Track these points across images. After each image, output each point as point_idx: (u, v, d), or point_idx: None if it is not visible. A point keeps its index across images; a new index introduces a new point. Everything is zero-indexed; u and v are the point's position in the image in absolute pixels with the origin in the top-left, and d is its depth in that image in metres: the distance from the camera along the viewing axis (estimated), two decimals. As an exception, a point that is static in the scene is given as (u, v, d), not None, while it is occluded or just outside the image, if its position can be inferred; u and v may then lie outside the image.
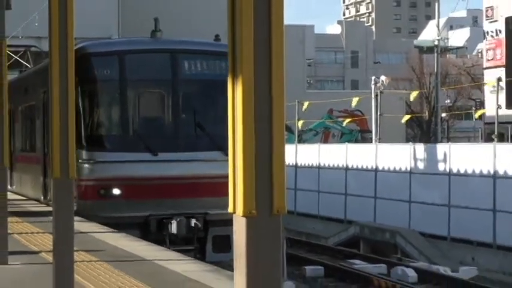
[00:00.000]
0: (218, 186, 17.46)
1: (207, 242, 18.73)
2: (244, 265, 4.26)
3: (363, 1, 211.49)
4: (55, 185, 8.78)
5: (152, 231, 18.04)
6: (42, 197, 23.31)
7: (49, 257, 9.60)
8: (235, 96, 4.47)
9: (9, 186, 26.91)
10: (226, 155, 16.19)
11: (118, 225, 16.84)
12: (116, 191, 17.86)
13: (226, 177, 15.86)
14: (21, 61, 34.99)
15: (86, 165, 19.15)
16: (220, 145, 18.07)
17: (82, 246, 14.33)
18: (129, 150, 18.35)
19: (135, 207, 17.89)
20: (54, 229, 8.74)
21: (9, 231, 13.68)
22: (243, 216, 4.74)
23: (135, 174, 17.98)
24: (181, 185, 18.42)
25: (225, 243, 18.52)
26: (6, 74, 13.47)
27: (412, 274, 25.34)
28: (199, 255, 18.21)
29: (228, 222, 16.78)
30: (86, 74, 19.37)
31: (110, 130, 20.99)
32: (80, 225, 18.08)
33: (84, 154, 19.03)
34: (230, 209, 4.53)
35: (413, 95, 69.07)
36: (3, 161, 13.21)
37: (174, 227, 18.10)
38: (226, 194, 16.41)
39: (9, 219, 14.72)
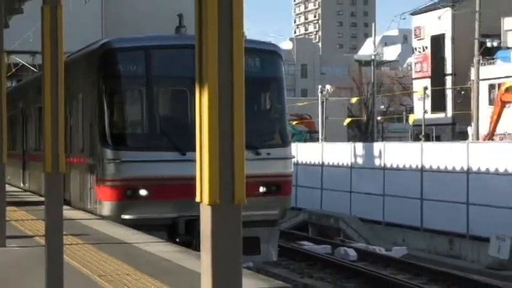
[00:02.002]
0: (249, 186, 14.80)
1: None
2: (209, 247, 4.25)
3: (311, 21, 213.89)
4: (46, 179, 8.73)
5: (180, 232, 15.55)
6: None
7: (42, 241, 9.49)
8: (202, 98, 4.36)
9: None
10: (257, 154, 16.10)
11: (144, 227, 14.34)
12: (143, 192, 15.14)
13: (256, 176, 15.72)
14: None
15: (112, 165, 16.27)
16: (248, 143, 15.28)
17: (70, 231, 14.03)
18: (156, 149, 15.69)
19: (162, 208, 15.36)
20: (46, 217, 8.66)
21: (7, 218, 13.28)
22: (209, 204, 4.69)
23: (163, 174, 15.30)
24: None
25: (253, 245, 16.06)
26: (5, 83, 13.32)
27: (352, 253, 25.51)
28: None
29: (256, 223, 15.57)
30: (111, 70, 16.92)
31: (136, 128, 17.90)
32: (68, 213, 17.71)
33: (109, 153, 16.35)
34: (197, 199, 4.52)
35: (354, 101, 70.85)
36: (2, 157, 13.09)
37: None
38: (256, 194, 16.69)
39: (8, 208, 14.47)
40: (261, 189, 15.70)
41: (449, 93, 74.20)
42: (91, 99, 16.74)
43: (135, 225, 14.95)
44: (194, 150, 14.48)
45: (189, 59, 15.43)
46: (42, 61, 9.25)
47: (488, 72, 56.53)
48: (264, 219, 15.81)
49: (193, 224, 15.13)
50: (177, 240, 14.79)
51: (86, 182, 17.02)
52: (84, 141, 17.78)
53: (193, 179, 15.22)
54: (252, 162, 14.36)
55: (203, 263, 4.32)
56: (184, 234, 15.43)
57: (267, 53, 17.04)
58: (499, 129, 47.63)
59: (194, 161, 14.70)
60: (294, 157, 17.59)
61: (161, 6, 52.43)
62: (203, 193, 4.28)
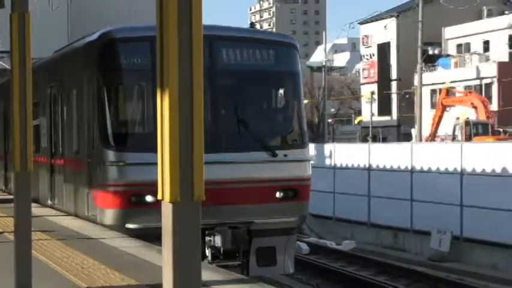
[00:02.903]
0: (264, 192, 13.71)
1: (250, 254, 13.78)
2: (170, 242, 4.25)
3: (266, 30, 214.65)
4: (16, 177, 8.66)
5: None
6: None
7: (11, 237, 9.40)
8: (163, 100, 4.81)
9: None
10: (274, 155, 13.36)
11: (151, 236, 12.21)
12: (150, 198, 12.57)
13: (272, 181, 13.98)
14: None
15: (115, 168, 13.54)
16: (267, 145, 14.05)
17: (38, 227, 13.72)
18: None
19: None
20: (15, 213, 8.60)
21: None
22: (170, 202, 4.65)
23: None
24: (223, 190, 13.16)
25: (269, 256, 14.10)
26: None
27: (305, 247, 25.61)
28: (243, 269, 13.73)
29: (272, 232, 13.69)
30: (113, 63, 14.12)
31: (142, 127, 14.81)
32: (36, 210, 17.45)
33: (112, 155, 13.59)
34: (159, 196, 4.49)
35: (306, 104, 70.63)
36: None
37: (218, 240, 13.24)
38: (274, 201, 14.26)
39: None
40: (278, 194, 13.85)
41: (394, 98, 75.17)
42: (89, 95, 14.40)
43: (141, 235, 12.76)
44: (208, 152, 12.47)
45: (206, 50, 12.73)
46: (11, 66, 9.27)
47: (430, 78, 57.57)
48: (281, 227, 13.92)
49: (205, 233, 13.08)
50: None
51: (82, 187, 14.69)
52: (80, 142, 15.23)
53: (207, 183, 13.53)
54: (268, 165, 13.69)
55: (165, 257, 4.33)
56: None
57: (284, 45, 14.81)
58: (440, 131, 48.37)
59: (207, 163, 13.06)
60: (312, 159, 15.02)
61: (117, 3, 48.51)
62: (164, 191, 4.24)
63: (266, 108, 14.84)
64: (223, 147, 13.25)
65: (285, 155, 13.82)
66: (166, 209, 4.27)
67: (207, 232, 12.95)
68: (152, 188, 11.47)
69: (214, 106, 13.47)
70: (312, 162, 14.89)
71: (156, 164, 11.68)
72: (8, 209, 14.76)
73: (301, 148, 14.39)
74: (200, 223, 4.72)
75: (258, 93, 14.57)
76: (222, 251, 13.00)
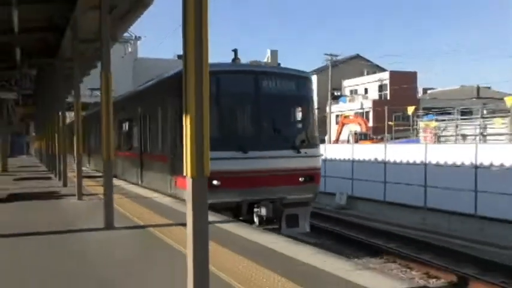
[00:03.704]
0: (292, 177, 12.64)
1: (281, 219, 12.76)
2: (190, 205, 4.00)
3: None
4: (104, 164, 8.35)
5: (243, 213, 12.22)
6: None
7: (102, 197, 9.33)
8: (187, 114, 4.57)
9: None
10: (298, 152, 12.67)
11: (216, 208, 11.22)
12: (216, 182, 11.29)
13: (298, 170, 12.69)
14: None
15: None
16: (293, 145, 12.89)
17: (118, 191, 14.82)
18: (226, 150, 11.70)
19: (230, 194, 11.79)
20: (104, 184, 8.38)
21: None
22: (191, 177, 4.57)
23: (230, 168, 11.70)
24: (265, 177, 12.23)
25: (294, 220, 13.03)
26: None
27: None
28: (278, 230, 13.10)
29: (296, 204, 13.22)
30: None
31: (212, 133, 10.84)
32: (125, 185, 17.82)
33: None
34: (185, 173, 4.22)
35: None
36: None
37: (263, 210, 12.13)
38: (298, 183, 12.80)
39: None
40: (300, 179, 12.74)
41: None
42: (171, 112, 13.69)
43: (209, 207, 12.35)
44: (254, 149, 12.29)
45: (249, 81, 12.94)
46: (101, 103, 9.55)
47: (335, 108, 57.95)
48: (302, 201, 13.10)
49: (252, 206, 12.42)
50: (240, 218, 11.94)
51: (165, 174, 14.18)
52: (164, 144, 14.43)
53: (254, 172, 12.30)
54: (294, 159, 12.83)
55: (188, 208, 4.11)
56: (246, 214, 12.22)
57: (302, 78, 13.64)
58: (342, 138, 49.03)
59: (254, 158, 12.21)
60: (322, 155, 14.24)
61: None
62: (188, 171, 4.06)
63: (292, 120, 13.97)
64: (265, 146, 12.45)
65: (305, 152, 13.01)
66: (189, 182, 4.08)
67: (255, 205, 12.51)
68: (218, 175, 11.50)
69: (258, 118, 12.92)
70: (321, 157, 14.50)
71: (221, 158, 11.56)
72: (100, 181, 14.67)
73: (315, 148, 13.56)
74: (206, 191, 4.24)
75: (287, 110, 13.78)
76: (264, 218, 12.50)
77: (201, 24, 4.39)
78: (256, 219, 12.42)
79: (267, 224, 12.41)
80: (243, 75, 12.98)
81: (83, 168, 16.93)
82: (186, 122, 4.42)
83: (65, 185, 16.98)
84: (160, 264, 6.49)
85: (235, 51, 13.87)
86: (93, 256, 7.13)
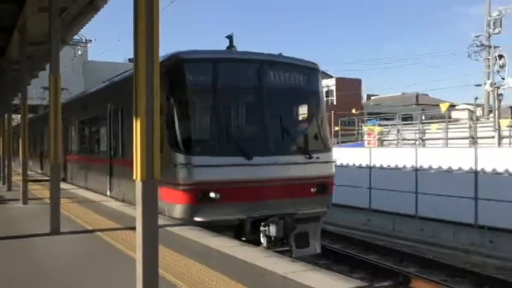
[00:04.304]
0: (304, 187, 10.36)
1: (291, 239, 10.34)
2: (140, 208, 3.84)
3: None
4: (51, 167, 8.04)
5: (247, 232, 9.65)
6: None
7: (47, 201, 8.87)
8: (137, 114, 4.37)
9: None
10: (310, 157, 10.58)
11: (213, 227, 9.13)
12: (214, 195, 9.11)
13: (309, 178, 10.59)
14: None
15: (184, 170, 9.50)
16: (304, 149, 10.61)
17: (65, 195, 14.30)
18: (226, 155, 9.35)
19: (231, 209, 9.38)
20: (50, 188, 8.08)
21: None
22: (140, 180, 3.95)
23: (231, 177, 9.32)
24: (273, 187, 9.83)
25: (304, 239, 10.61)
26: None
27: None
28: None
29: (307, 219, 10.80)
30: (181, 81, 9.92)
31: (208, 135, 10.45)
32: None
33: (182, 158, 9.51)
34: (134, 177, 4.04)
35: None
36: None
37: (273, 229, 9.71)
38: (310, 194, 10.62)
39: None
40: (313, 189, 10.46)
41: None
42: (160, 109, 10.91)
43: (206, 226, 9.49)
44: (260, 154, 10.00)
45: (250, 71, 10.50)
46: (50, 107, 9.08)
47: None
48: (313, 215, 10.75)
49: (258, 224, 9.99)
50: (243, 239, 9.60)
51: None
52: None
53: (260, 181, 9.76)
54: (307, 166, 10.49)
55: (137, 212, 3.94)
56: (250, 233, 9.75)
57: (313, 70, 11.23)
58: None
59: (260, 165, 9.72)
60: (336, 160, 11.75)
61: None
62: (137, 174, 3.89)
63: (302, 119, 11.35)
64: (272, 151, 10.05)
65: (317, 157, 10.67)
66: (138, 185, 3.90)
67: (262, 223, 10.02)
68: (216, 186, 9.44)
69: (264, 117, 10.31)
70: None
71: (219, 166, 9.48)
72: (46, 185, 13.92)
73: (328, 152, 11.07)
74: (157, 193, 4.00)
75: (296, 106, 11.33)
76: (273, 238, 10.00)
77: (152, 28, 4.27)
78: (263, 240, 9.95)
79: (276, 245, 9.88)
80: (247, 65, 10.47)
81: (31, 173, 16.09)
82: (136, 124, 4.31)
83: (9, 189, 16.56)
84: (109, 269, 6.29)
85: (230, 37, 11.31)
86: (36, 263, 6.75)
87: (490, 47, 37.06)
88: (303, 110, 11.36)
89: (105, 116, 14.27)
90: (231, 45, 11.04)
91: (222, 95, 10.17)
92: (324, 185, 10.70)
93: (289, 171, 10.25)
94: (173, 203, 9.88)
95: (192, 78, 10.05)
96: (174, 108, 9.90)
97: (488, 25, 36.34)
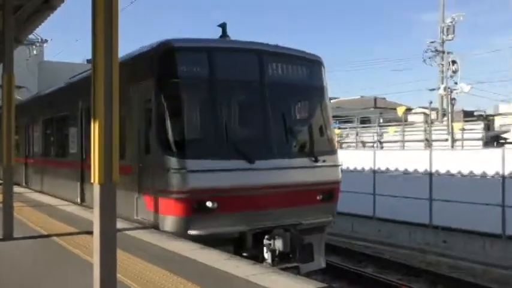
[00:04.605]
0: (309, 194, 9.13)
1: (297, 252, 9.19)
2: (98, 211, 3.73)
3: None
4: (3, 170, 7.89)
5: (248, 246, 8.42)
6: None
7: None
8: (96, 108, 4.23)
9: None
10: (316, 161, 9.43)
11: (211, 241, 7.88)
12: (211, 204, 7.77)
13: (315, 184, 9.54)
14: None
15: (178, 175, 8.00)
16: (310, 151, 9.35)
17: (20, 199, 13.82)
18: (224, 158, 7.98)
19: (230, 220, 8.11)
20: (3, 191, 7.82)
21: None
22: (98, 183, 3.83)
23: (232, 183, 8.04)
24: (278, 195, 8.58)
25: (308, 253, 9.31)
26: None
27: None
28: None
29: (311, 230, 9.67)
30: (174, 72, 8.40)
31: (204, 136, 8.69)
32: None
33: (174, 162, 8.10)
34: (92, 180, 3.93)
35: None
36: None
37: (278, 243, 8.46)
38: (316, 202, 9.63)
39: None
40: (318, 197, 9.28)
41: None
42: (147, 104, 9.00)
43: (202, 240, 8.16)
44: (263, 158, 8.73)
45: (252, 63, 9.09)
46: (3, 107, 8.64)
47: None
48: (319, 226, 9.60)
49: (260, 237, 8.74)
50: (244, 254, 8.38)
51: (131, 191, 9.30)
52: (126, 148, 9.55)
53: (263, 188, 8.83)
54: (313, 170, 9.38)
55: (95, 215, 3.83)
56: (252, 247, 8.54)
57: (317, 63, 9.94)
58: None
59: (263, 169, 8.53)
60: (342, 164, 10.29)
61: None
62: (95, 177, 3.77)
63: (307, 118, 10.05)
64: (276, 154, 8.76)
65: (324, 161, 9.49)
66: (96, 188, 3.79)
67: (266, 236, 8.80)
68: (214, 194, 8.05)
69: (267, 115, 8.98)
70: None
71: (217, 170, 8.18)
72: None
73: (334, 154, 9.95)
74: (116, 198, 3.90)
75: (301, 104, 10.04)
76: (277, 253, 8.79)
77: (111, 24, 4.16)
78: (267, 255, 8.72)
79: (281, 260, 8.67)
80: (248, 55, 9.09)
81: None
82: (94, 125, 4.19)
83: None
84: (65, 275, 6.10)
85: (223, 26, 9.88)
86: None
87: (443, 52, 38.57)
88: (308, 107, 10.19)
89: (76, 114, 12.70)
90: (224, 35, 9.64)
91: (221, 90, 8.79)
92: (330, 192, 9.63)
93: (295, 176, 9.03)
94: (164, 215, 8.47)
95: (185, 70, 8.45)
96: (165, 105, 8.42)
97: (442, 31, 39.06)
